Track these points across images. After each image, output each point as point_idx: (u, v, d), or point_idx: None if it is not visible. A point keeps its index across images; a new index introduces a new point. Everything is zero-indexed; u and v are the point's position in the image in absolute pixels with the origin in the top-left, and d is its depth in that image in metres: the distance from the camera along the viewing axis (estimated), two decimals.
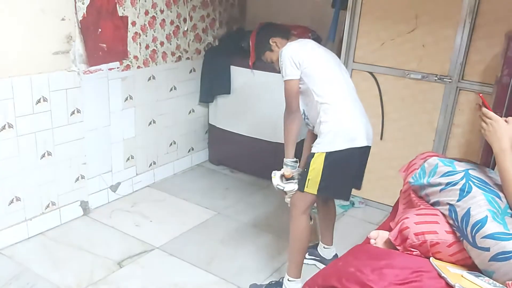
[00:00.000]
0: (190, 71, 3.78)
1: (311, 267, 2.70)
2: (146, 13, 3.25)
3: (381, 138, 3.33)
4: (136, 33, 3.21)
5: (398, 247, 1.62)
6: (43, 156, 2.80)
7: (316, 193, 2.27)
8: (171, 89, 3.64)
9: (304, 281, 1.70)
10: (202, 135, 4.10)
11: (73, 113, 2.92)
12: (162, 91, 3.57)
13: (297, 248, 2.37)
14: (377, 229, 1.90)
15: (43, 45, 2.68)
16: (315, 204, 2.56)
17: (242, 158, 3.90)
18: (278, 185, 2.36)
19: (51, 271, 2.56)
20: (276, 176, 2.38)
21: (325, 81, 2.24)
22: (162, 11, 3.37)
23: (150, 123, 3.54)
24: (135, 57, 3.26)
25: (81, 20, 2.81)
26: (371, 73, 3.25)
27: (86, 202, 3.15)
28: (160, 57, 3.47)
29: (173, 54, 3.57)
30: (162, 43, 3.45)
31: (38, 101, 2.70)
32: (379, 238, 1.77)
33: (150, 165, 3.65)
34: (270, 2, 4.04)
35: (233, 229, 3.12)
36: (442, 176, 1.66)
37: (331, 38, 3.55)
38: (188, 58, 3.73)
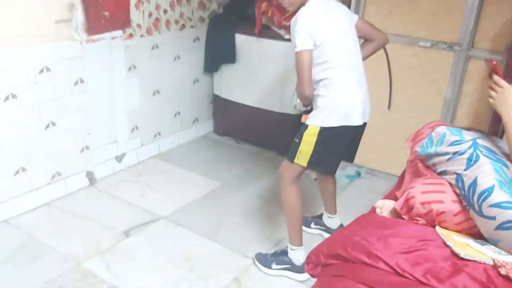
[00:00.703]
0: (194, 40, 3.72)
1: (317, 237, 2.71)
2: None
3: (388, 108, 3.29)
4: (139, 0, 3.14)
5: (404, 216, 1.61)
6: (47, 126, 2.80)
7: (305, 166, 2.26)
8: (175, 59, 3.59)
9: (309, 249, 1.70)
10: (207, 106, 4.07)
11: (76, 83, 2.90)
12: (166, 61, 3.52)
13: (293, 217, 2.38)
14: (383, 198, 1.90)
15: (45, 14, 2.63)
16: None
17: (247, 129, 3.88)
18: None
19: (58, 240, 2.58)
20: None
21: (330, 54, 2.13)
22: None
23: (154, 93, 3.51)
24: (138, 26, 3.20)
25: None
26: None
27: (91, 173, 3.15)
28: (164, 26, 3.40)
29: (176, 22, 3.51)
30: (165, 11, 3.38)
31: (41, 71, 2.68)
32: (385, 207, 1.76)
33: (155, 136, 3.64)
34: None
35: (238, 199, 3.13)
36: (449, 145, 1.63)
37: None
38: (192, 26, 3.66)
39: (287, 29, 3.35)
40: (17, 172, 2.72)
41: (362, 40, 2.39)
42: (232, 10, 3.79)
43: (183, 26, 3.58)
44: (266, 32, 3.50)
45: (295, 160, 2.25)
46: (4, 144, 2.61)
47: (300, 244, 2.43)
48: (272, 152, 3.81)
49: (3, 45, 2.48)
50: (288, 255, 2.44)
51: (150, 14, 3.26)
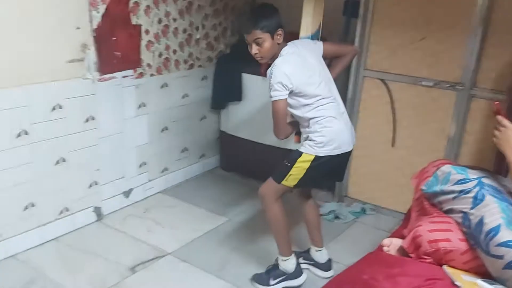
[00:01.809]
0: (202, 79, 3.82)
1: (305, 272, 2.68)
2: (159, 21, 3.29)
3: (392, 145, 3.33)
4: (149, 41, 3.25)
5: (411, 255, 1.63)
6: (58, 162, 2.84)
7: (292, 187, 2.39)
8: (183, 96, 3.68)
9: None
10: (214, 142, 4.12)
11: (87, 120, 2.96)
12: (174, 98, 3.60)
13: (279, 230, 2.49)
14: (390, 236, 1.91)
15: (58, 53, 2.73)
16: None
17: (253, 165, 3.92)
18: None
19: (65, 276, 2.59)
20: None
21: (313, 97, 2.28)
22: (175, 20, 3.41)
23: (163, 130, 3.58)
24: (149, 65, 3.30)
25: (96, 28, 2.86)
26: (382, 80, 3.26)
27: (99, 208, 3.18)
28: (173, 65, 3.51)
29: (185, 61, 3.61)
30: (175, 51, 3.49)
31: (54, 109, 2.75)
32: (392, 245, 1.78)
33: (162, 171, 3.68)
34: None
35: (245, 235, 3.13)
36: (455, 184, 1.66)
37: None
38: (200, 66, 3.76)
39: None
40: (26, 207, 2.74)
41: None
42: (239, 50, 3.88)
43: (192, 65, 3.68)
44: None
45: (283, 182, 2.35)
46: (15, 180, 2.65)
47: (290, 253, 2.54)
48: None
49: (17, 82, 2.56)
50: (280, 267, 2.54)
51: (160, 54, 3.37)
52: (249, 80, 3.72)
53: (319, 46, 2.46)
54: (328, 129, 2.30)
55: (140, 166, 3.46)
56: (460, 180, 1.66)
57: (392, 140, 3.33)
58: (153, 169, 3.59)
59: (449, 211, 1.66)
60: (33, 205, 2.77)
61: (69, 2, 2.70)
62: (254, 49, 2.28)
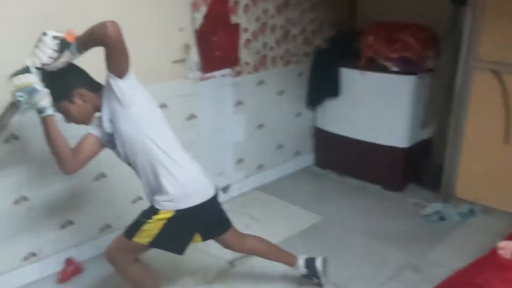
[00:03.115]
0: (299, 74, 3.80)
1: None
2: (257, 19, 3.33)
3: (506, 142, 3.06)
4: (247, 39, 3.30)
5: None
6: None
7: (146, 244, 2.02)
8: (279, 93, 3.69)
9: None
10: (309, 139, 4.09)
11: (189, 118, 3.08)
12: (270, 95, 3.63)
13: None
14: (505, 239, 1.77)
15: (163, 55, 2.87)
16: None
17: (350, 162, 3.83)
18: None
19: (167, 267, 2.70)
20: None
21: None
22: (272, 17, 3.43)
23: (259, 127, 3.62)
24: (246, 63, 3.35)
25: (197, 29, 2.96)
26: (495, 71, 3.00)
27: None
28: (270, 62, 3.53)
29: (282, 58, 3.62)
30: (272, 48, 3.51)
31: (159, 108, 2.89)
32: (508, 248, 1.65)
33: (258, 168, 3.73)
34: (382, 0, 3.91)
35: (341, 234, 3.07)
36: None
37: (448, 36, 3.35)
38: (296, 62, 3.75)
39: (394, 62, 3.30)
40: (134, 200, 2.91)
41: None
42: (336, 44, 3.82)
43: (288, 61, 3.68)
44: (372, 65, 3.48)
45: (134, 239, 2.00)
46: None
47: None
48: (376, 186, 3.71)
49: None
50: None
51: (257, 52, 3.41)
52: (348, 75, 3.64)
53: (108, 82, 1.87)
54: (183, 175, 1.99)
55: (237, 162, 3.54)
56: None
57: (505, 136, 3.06)
58: (250, 165, 3.65)
59: None
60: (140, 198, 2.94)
61: (172, 5, 2.83)
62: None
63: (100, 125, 1.96)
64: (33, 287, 2.56)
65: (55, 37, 1.74)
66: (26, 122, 2.27)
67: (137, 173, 2.02)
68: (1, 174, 2.35)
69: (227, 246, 2.36)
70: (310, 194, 3.66)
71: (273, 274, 2.64)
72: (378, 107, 3.55)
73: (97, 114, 1.97)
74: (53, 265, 2.63)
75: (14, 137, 2.35)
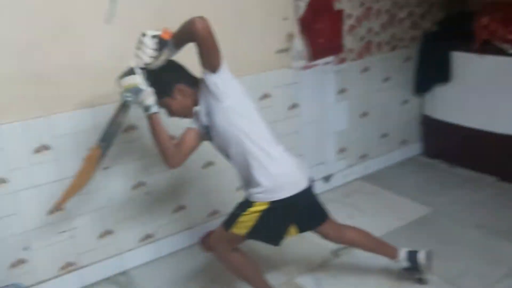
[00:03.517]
0: (405, 60, 3.64)
1: None
2: (361, 4, 3.23)
3: None
4: (351, 25, 3.22)
5: None
6: None
7: (243, 235, 2.05)
8: (384, 80, 3.56)
9: None
10: (416, 127, 3.90)
11: (291, 107, 3.09)
12: (375, 82, 3.51)
13: (251, 279, 2.22)
14: None
15: (267, 45, 2.90)
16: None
17: (463, 152, 3.59)
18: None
19: (271, 255, 2.74)
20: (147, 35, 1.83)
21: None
22: (377, 1, 3.31)
23: (363, 115, 3.53)
24: (350, 50, 3.27)
25: (301, 18, 2.95)
26: None
27: None
28: (375, 48, 3.41)
29: (388, 43, 3.48)
30: (377, 33, 3.39)
31: (262, 97, 2.94)
32: None
33: (362, 157, 3.64)
34: None
35: (453, 228, 2.90)
36: None
37: None
38: (403, 47, 3.59)
39: None
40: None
41: None
42: (447, 27, 3.58)
43: (395, 47, 3.53)
44: (487, 47, 3.21)
45: (231, 230, 2.04)
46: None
47: None
48: (492, 178, 3.44)
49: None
50: None
51: (361, 38, 3.31)
52: (460, 59, 3.42)
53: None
54: (276, 167, 2.00)
55: (340, 152, 3.48)
56: None
57: None
58: (352, 155, 3.57)
59: None
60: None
61: None
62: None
63: (198, 118, 2.04)
64: (149, 266, 2.76)
65: (153, 37, 1.82)
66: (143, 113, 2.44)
67: (233, 165, 2.08)
68: (122, 162, 2.55)
69: (325, 237, 2.35)
70: (418, 184, 3.49)
71: (376, 266, 2.57)
72: (494, 92, 3.28)
73: (196, 108, 2.04)
74: (167, 247, 2.82)
75: (132, 127, 2.53)
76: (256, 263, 2.31)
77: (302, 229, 2.23)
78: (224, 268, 2.24)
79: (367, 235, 2.40)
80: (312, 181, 2.16)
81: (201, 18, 1.74)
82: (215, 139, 2.04)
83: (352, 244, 2.42)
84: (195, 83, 1.99)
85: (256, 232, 2.04)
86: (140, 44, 1.84)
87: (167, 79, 1.95)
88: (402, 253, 2.37)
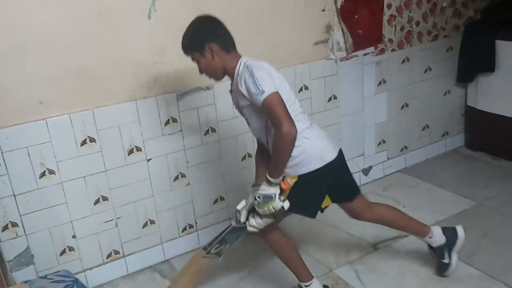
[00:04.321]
0: (447, 50, 3.55)
1: None
2: None
3: None
4: (391, 15, 3.17)
5: None
6: None
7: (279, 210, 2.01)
8: (425, 71, 3.48)
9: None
10: (458, 118, 3.81)
11: (330, 99, 3.08)
12: (416, 73, 3.44)
13: (288, 257, 2.24)
14: None
15: (306, 37, 2.89)
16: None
17: (507, 144, 3.48)
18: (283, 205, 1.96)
19: (311, 247, 2.76)
20: (276, 197, 1.95)
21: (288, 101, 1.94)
22: None
23: (403, 107, 3.47)
24: (390, 40, 3.22)
25: (339, 9, 2.92)
26: None
27: None
28: (416, 38, 3.35)
29: (429, 33, 3.40)
30: (418, 23, 3.32)
31: (301, 89, 2.94)
32: None
33: (402, 149, 3.58)
34: None
35: (498, 222, 2.83)
36: None
37: None
38: (445, 36, 3.50)
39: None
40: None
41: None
42: (491, 15, 3.47)
43: (436, 36, 3.45)
44: None
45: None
46: None
47: (311, 277, 2.26)
48: None
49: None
50: None
51: (402, 28, 3.25)
52: (505, 47, 3.31)
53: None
54: (306, 140, 2.01)
55: (379, 144, 3.44)
56: None
57: None
58: (392, 147, 3.52)
59: None
60: None
61: None
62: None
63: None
64: (189, 256, 2.82)
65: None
66: (221, 117, 2.68)
67: (265, 143, 2.09)
68: (163, 153, 2.61)
69: (355, 213, 2.32)
70: (460, 177, 3.41)
71: (416, 261, 2.55)
72: None
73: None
74: (206, 237, 2.86)
75: (212, 129, 2.70)
76: (295, 245, 2.31)
77: (335, 199, 2.23)
78: (269, 246, 2.26)
79: (399, 211, 2.40)
80: (341, 151, 2.15)
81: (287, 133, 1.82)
82: (247, 115, 2.06)
83: (382, 220, 2.37)
84: (230, 49, 1.99)
85: (291, 206, 2.00)
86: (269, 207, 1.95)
87: (200, 35, 1.97)
88: (436, 229, 2.35)
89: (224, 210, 2.90)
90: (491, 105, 3.51)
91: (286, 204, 1.96)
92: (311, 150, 2.01)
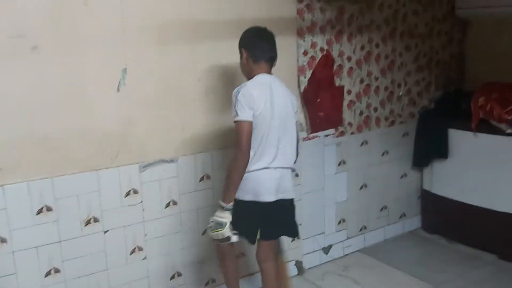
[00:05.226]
0: (403, 135, 3.73)
1: None
2: (361, 81, 3.38)
3: None
4: (351, 101, 3.35)
5: None
6: None
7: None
8: (383, 154, 3.63)
9: None
10: (415, 201, 3.93)
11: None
12: (374, 156, 3.59)
13: (225, 273, 2.55)
14: None
15: None
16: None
17: (462, 228, 3.58)
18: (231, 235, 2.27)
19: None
20: (226, 226, 2.24)
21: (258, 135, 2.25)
22: (376, 79, 3.46)
23: (362, 187, 3.57)
24: (349, 124, 3.38)
25: (303, 92, 3.08)
26: None
27: (300, 262, 3.28)
28: (374, 123, 3.52)
29: (386, 119, 3.60)
30: (376, 109, 3.51)
31: None
32: None
33: (361, 229, 3.63)
34: (493, 60, 3.74)
35: None
36: None
37: None
38: (401, 122, 3.70)
39: (508, 123, 3.12)
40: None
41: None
42: (444, 105, 3.72)
43: (393, 122, 3.65)
44: (484, 126, 3.31)
45: None
46: None
47: None
48: (492, 256, 3.42)
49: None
50: None
51: (361, 113, 3.43)
52: (457, 136, 3.51)
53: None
54: (252, 173, 2.26)
55: (339, 223, 3.49)
56: None
57: None
58: (352, 226, 3.57)
59: None
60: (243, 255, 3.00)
61: (281, 70, 2.96)
62: None
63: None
64: None
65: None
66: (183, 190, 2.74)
67: None
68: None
69: (256, 253, 2.49)
70: (417, 260, 3.46)
71: None
72: (491, 170, 3.34)
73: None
74: None
75: (173, 202, 2.72)
76: (237, 270, 2.57)
77: (262, 236, 2.37)
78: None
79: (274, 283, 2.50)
80: (283, 200, 2.36)
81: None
82: None
83: (262, 273, 2.49)
84: (259, 61, 2.31)
85: (233, 225, 2.26)
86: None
87: (241, 39, 2.37)
88: None
89: (182, 287, 2.82)
90: (445, 189, 3.64)
91: (234, 238, 2.25)
92: (251, 183, 2.26)
